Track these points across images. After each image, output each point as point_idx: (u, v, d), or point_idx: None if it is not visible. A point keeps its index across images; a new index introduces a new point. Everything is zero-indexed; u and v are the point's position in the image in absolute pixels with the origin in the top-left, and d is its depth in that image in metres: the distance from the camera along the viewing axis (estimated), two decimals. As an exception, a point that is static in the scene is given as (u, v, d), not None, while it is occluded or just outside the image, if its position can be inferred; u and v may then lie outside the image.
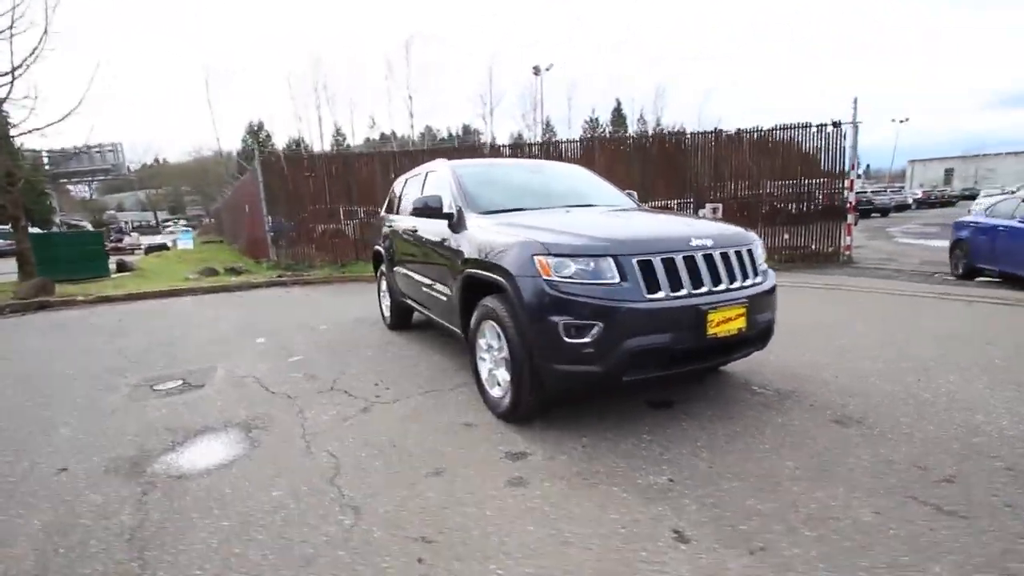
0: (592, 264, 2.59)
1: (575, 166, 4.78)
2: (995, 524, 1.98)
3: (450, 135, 56.00)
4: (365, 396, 3.64)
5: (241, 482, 2.53)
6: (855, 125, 10.03)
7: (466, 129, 55.93)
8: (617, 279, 2.56)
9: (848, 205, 10.44)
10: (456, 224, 3.60)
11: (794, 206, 10.75)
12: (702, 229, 2.90)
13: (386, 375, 4.08)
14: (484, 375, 3.23)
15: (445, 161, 4.39)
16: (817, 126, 10.32)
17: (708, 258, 2.75)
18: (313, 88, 49.26)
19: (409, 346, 4.90)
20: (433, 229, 3.97)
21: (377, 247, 5.76)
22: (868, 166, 72.02)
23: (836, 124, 10.15)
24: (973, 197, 33.82)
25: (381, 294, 5.88)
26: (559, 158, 11.00)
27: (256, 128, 51.86)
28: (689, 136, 11.28)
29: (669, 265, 2.64)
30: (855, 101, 10.01)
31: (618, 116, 57.12)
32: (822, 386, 3.43)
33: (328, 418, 3.28)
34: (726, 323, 2.68)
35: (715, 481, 2.33)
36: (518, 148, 13.61)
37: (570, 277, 2.58)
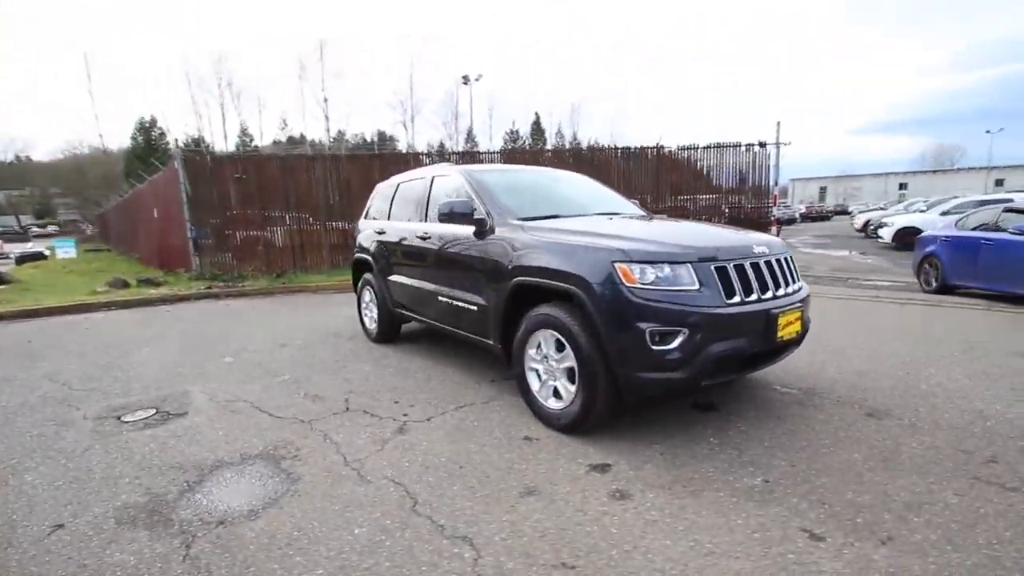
0: (672, 271, 2.59)
1: (582, 175, 4.79)
2: (1055, 497, 2.23)
3: (365, 141, 54.21)
4: (392, 415, 3.35)
5: (307, 523, 2.20)
6: (778, 145, 11.13)
7: (382, 136, 54.44)
8: (697, 285, 2.59)
9: (772, 218, 11.51)
10: (487, 231, 3.46)
11: (724, 219, 11.67)
12: (755, 237, 3.03)
13: (401, 392, 3.79)
14: (535, 387, 3.11)
15: (454, 166, 4.22)
16: (746, 145, 11.32)
17: (768, 264, 2.87)
18: (217, 84, 45.54)
19: (408, 359, 4.61)
20: (453, 235, 3.78)
21: (360, 256, 5.39)
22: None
23: (762, 144, 11.19)
24: (845, 212, 39.19)
25: (363, 306, 5.49)
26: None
27: (148, 124, 46.65)
28: (618, 151, 11.80)
29: (740, 272, 2.71)
30: (778, 124, 11.11)
31: (537, 129, 58.70)
32: (834, 383, 3.70)
33: (363, 441, 2.98)
34: (789, 326, 2.81)
35: (807, 479, 2.41)
36: (440, 156, 13.48)
37: (652, 284, 2.56)
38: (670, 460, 2.63)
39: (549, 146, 46.31)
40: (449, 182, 4.14)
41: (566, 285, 2.80)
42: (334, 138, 46.40)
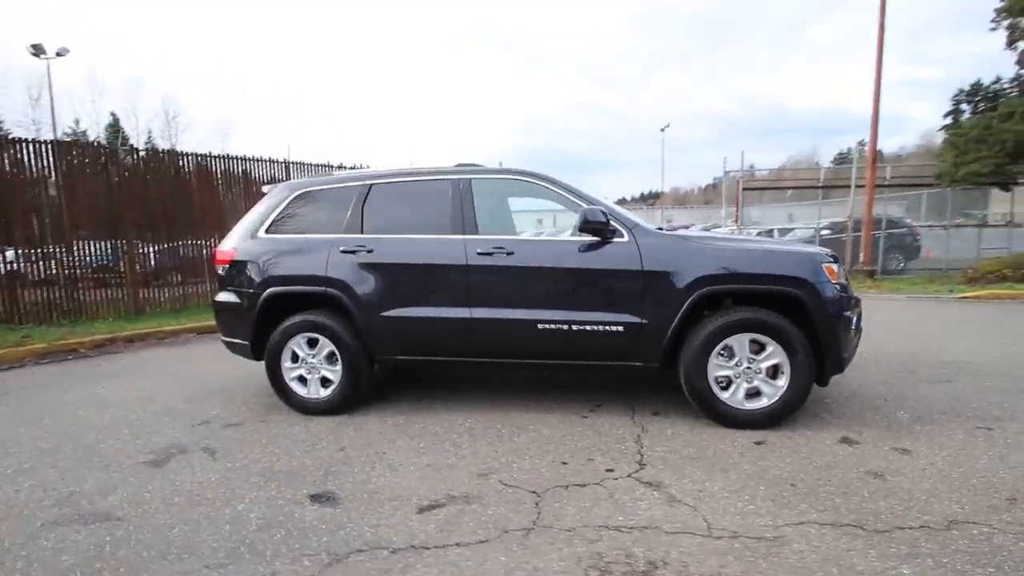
0: (840, 267, 3.26)
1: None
2: None
3: None
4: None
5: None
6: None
7: None
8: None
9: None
10: (629, 239, 3.23)
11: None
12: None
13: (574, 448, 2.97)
14: (725, 395, 3.17)
15: (486, 167, 3.58)
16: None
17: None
18: None
19: (468, 416, 3.47)
20: (563, 249, 3.33)
21: (283, 290, 3.59)
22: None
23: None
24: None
25: (291, 366, 3.64)
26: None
27: None
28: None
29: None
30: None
31: (114, 132, 45.18)
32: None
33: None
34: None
35: None
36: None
37: (840, 279, 3.17)
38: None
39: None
40: (506, 185, 3.51)
41: (782, 287, 3.05)
42: None
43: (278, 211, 3.80)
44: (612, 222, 3.22)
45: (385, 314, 3.48)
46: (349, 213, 3.65)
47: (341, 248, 3.56)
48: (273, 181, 9.70)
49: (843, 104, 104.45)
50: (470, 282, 3.39)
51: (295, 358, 3.66)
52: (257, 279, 3.69)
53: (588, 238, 3.28)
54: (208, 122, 77.17)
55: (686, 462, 2.81)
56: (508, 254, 3.35)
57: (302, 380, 3.68)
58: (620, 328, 3.24)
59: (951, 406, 3.49)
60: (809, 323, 3.07)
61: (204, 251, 9.03)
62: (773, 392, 3.14)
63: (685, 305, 3.13)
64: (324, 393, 3.64)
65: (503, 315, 3.36)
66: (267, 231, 3.78)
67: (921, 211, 14.88)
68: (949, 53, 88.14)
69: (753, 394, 3.18)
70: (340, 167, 10.94)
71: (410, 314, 3.47)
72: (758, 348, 3.14)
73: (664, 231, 3.45)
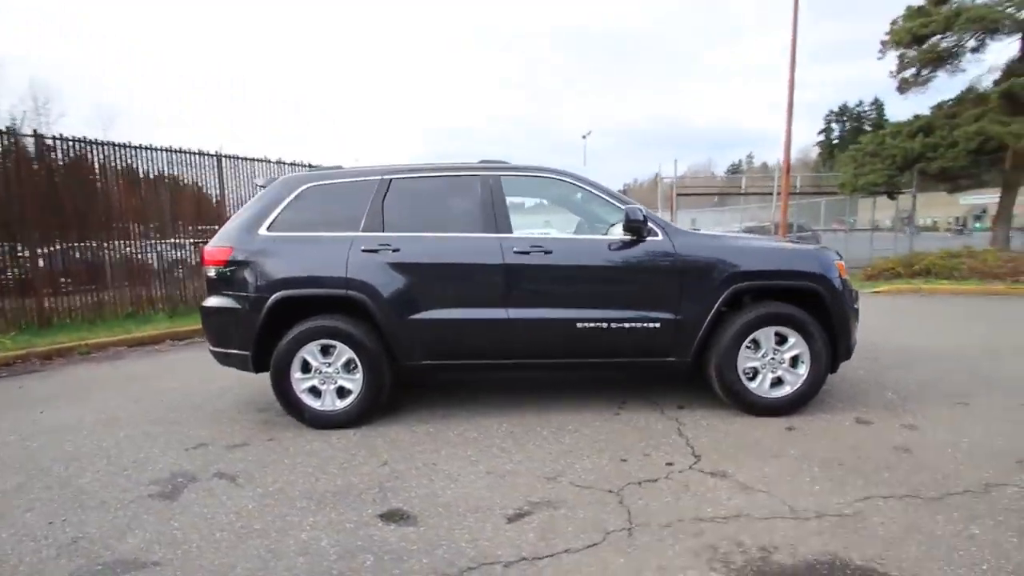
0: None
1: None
2: None
3: None
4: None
5: None
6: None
7: None
8: (840, 274, 3.69)
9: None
10: (664, 239, 3.32)
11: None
12: None
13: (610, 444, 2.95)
14: (753, 384, 3.36)
15: (516, 163, 3.52)
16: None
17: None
18: None
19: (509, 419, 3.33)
20: (594, 248, 3.36)
21: (296, 293, 3.27)
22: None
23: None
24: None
25: (301, 377, 3.32)
26: None
27: None
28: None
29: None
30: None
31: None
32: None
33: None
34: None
35: None
36: None
37: (846, 276, 3.47)
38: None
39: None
40: (537, 184, 3.47)
41: (804, 283, 3.28)
42: None
43: (282, 206, 3.44)
44: (649, 221, 3.29)
45: (415, 317, 3.28)
46: (367, 209, 3.39)
47: (362, 247, 3.30)
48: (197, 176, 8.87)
49: (736, 121, 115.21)
50: (508, 282, 3.29)
51: (306, 368, 3.34)
52: (262, 281, 3.32)
53: (623, 236, 3.32)
54: (89, 109, 68.03)
55: (735, 451, 2.93)
56: (546, 253, 3.30)
57: (314, 392, 3.37)
58: (657, 325, 3.31)
59: (923, 387, 3.95)
60: (824, 315, 3.33)
61: (116, 255, 7.97)
62: (795, 380, 3.37)
63: (719, 301, 3.27)
64: (341, 404, 3.35)
65: (542, 315, 3.30)
66: (270, 228, 3.41)
67: (820, 216, 16.77)
68: (820, 79, 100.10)
69: (776, 383, 3.39)
70: (279, 162, 10.15)
71: (443, 316, 3.29)
72: (780, 340, 3.35)
73: (694, 231, 3.58)
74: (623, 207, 3.29)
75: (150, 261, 8.43)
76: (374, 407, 3.40)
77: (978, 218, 39.51)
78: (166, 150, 8.55)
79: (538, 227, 4.68)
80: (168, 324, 7.27)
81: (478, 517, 2.31)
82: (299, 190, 3.47)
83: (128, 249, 8.17)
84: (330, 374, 3.34)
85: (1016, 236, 12.36)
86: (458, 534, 2.18)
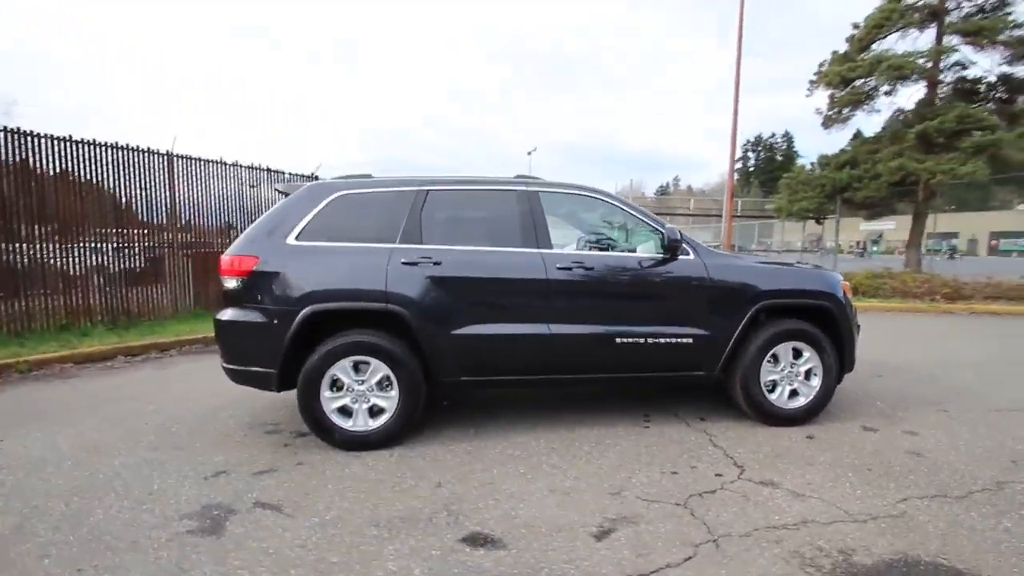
0: (844, 283, 3.91)
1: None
2: None
3: None
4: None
5: None
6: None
7: None
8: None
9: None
10: (694, 261, 3.49)
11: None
12: None
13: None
14: (773, 396, 3.57)
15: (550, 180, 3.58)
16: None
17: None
18: None
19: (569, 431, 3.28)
20: (627, 265, 3.47)
21: (329, 307, 3.11)
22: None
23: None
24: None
25: (332, 395, 3.13)
26: None
27: None
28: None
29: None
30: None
31: None
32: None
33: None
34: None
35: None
36: None
37: (849, 295, 3.79)
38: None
39: None
40: (574, 201, 3.55)
41: (817, 301, 3.55)
42: None
43: (312, 214, 3.25)
44: (683, 241, 3.44)
45: (457, 332, 3.20)
46: (405, 221, 3.28)
47: (402, 260, 3.18)
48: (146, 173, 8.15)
49: (662, 146, 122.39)
50: (551, 297, 3.30)
51: (336, 386, 3.16)
52: (293, 294, 3.10)
53: (657, 255, 3.45)
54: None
55: (772, 460, 3.09)
56: (587, 269, 3.35)
57: (343, 411, 3.18)
58: (690, 340, 3.44)
59: (902, 396, 4.35)
60: (833, 330, 3.62)
61: (49, 259, 7.11)
62: (808, 392, 3.61)
63: (746, 318, 3.46)
64: (374, 424, 3.19)
65: (583, 330, 3.33)
66: (299, 237, 3.21)
67: (754, 238, 18.10)
68: (743, 108, 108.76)
69: (792, 394, 3.63)
70: (235, 164, 9.51)
71: (485, 332, 3.23)
72: (796, 354, 3.59)
73: (720, 252, 3.78)
74: (661, 228, 3.41)
75: (86, 267, 7.60)
76: (407, 426, 3.26)
77: (875, 242, 44.49)
78: (111, 147, 7.81)
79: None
80: (116, 338, 6.56)
81: (564, 536, 2.29)
82: (330, 198, 3.30)
83: (64, 254, 7.33)
84: (363, 392, 3.18)
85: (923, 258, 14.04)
86: (552, 555, 2.15)
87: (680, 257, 3.47)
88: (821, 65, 13.85)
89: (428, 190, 3.39)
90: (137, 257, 8.09)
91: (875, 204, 12.89)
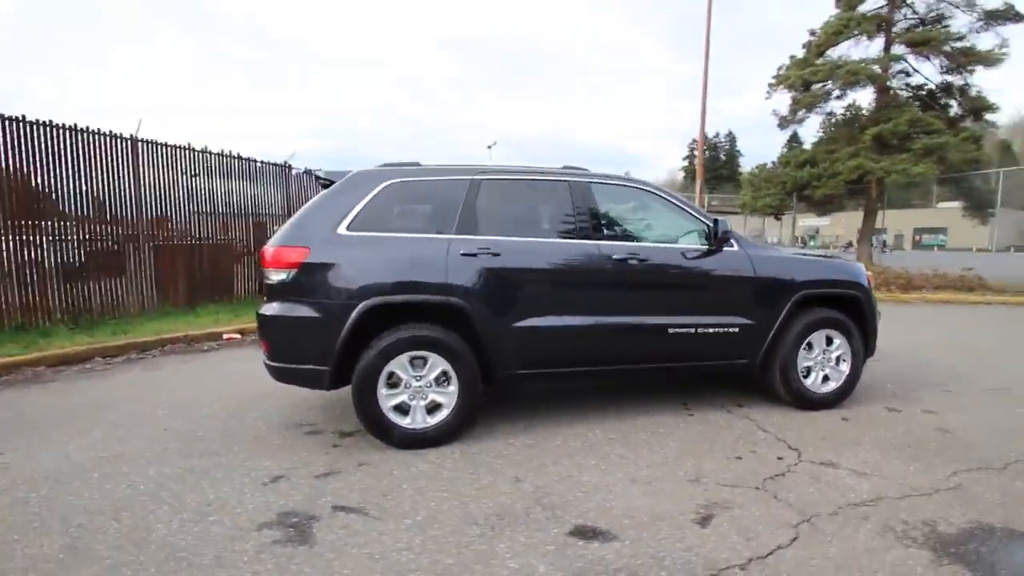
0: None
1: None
2: None
3: None
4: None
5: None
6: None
7: None
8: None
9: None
10: (738, 253, 3.58)
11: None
12: None
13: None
14: (809, 381, 3.73)
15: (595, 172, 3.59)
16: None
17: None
18: None
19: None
20: (686, 259, 3.51)
21: (387, 300, 2.96)
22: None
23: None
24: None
25: (389, 392, 3.00)
26: None
27: None
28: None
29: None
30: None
31: None
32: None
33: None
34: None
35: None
36: None
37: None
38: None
39: None
40: (623, 193, 3.58)
41: (849, 291, 3.73)
42: None
43: (362, 204, 3.08)
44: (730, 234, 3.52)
45: (517, 325, 3.14)
46: (460, 211, 3.17)
47: (461, 251, 3.08)
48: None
49: (614, 143, 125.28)
50: (608, 289, 3.29)
51: (393, 382, 3.02)
52: (349, 286, 2.93)
53: (702, 246, 3.51)
54: None
55: (822, 441, 3.23)
56: (641, 260, 3.36)
57: (399, 409, 3.06)
58: (736, 329, 3.54)
59: (907, 379, 4.65)
60: (860, 319, 3.82)
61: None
62: (839, 376, 3.80)
63: (787, 308, 3.59)
64: (432, 421, 3.08)
65: (639, 321, 3.35)
66: (350, 227, 3.04)
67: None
68: (688, 109, 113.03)
69: (824, 379, 3.80)
70: (204, 151, 8.88)
71: (544, 324, 3.18)
72: (827, 341, 3.77)
73: (760, 244, 3.90)
74: (709, 221, 3.48)
75: (46, 260, 6.90)
76: (466, 422, 3.18)
77: (812, 238, 47.48)
78: (69, 129, 7.11)
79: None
80: (88, 339, 6.01)
81: (668, 524, 2.30)
82: (381, 187, 3.14)
83: (18, 248, 6.61)
84: (421, 388, 3.06)
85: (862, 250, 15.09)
86: (667, 544, 2.15)
87: (725, 249, 3.55)
88: (780, 69, 14.57)
89: (481, 179, 3.29)
90: (96, 250, 7.43)
91: (831, 201, 13.75)
